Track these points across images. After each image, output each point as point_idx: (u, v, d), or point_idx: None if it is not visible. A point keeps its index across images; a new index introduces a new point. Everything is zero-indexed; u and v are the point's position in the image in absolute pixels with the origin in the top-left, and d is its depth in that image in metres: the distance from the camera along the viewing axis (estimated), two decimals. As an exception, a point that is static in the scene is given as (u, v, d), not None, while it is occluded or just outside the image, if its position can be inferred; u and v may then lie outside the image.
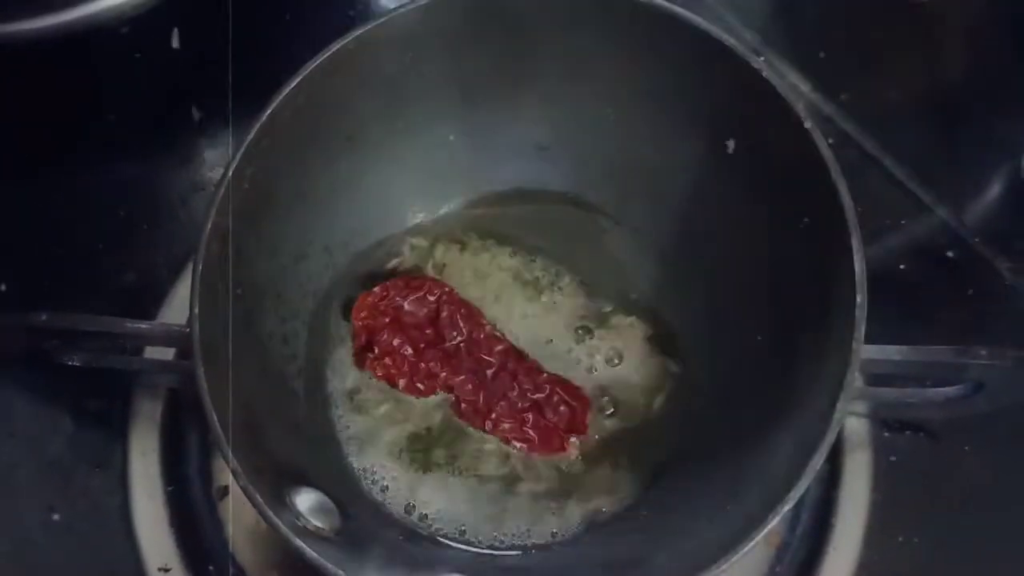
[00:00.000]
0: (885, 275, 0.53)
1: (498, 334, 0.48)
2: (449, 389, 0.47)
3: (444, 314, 0.47)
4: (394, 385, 0.47)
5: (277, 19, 0.64)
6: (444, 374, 0.46)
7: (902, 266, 0.55)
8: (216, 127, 0.61)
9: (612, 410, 0.47)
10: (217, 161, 0.60)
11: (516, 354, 0.47)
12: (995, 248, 0.55)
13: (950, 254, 0.55)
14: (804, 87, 0.61)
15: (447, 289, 0.48)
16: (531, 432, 0.46)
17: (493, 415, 0.45)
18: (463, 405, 0.46)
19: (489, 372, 0.46)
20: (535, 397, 0.46)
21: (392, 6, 0.61)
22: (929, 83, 0.63)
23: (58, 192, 0.58)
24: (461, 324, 0.47)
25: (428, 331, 0.47)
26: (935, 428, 0.50)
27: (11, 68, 0.60)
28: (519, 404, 0.45)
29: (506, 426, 0.46)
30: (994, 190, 0.59)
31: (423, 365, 0.47)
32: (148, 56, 0.62)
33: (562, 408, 0.46)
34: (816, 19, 0.65)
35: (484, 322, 0.48)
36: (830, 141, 0.56)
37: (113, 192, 0.58)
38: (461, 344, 0.47)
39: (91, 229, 0.57)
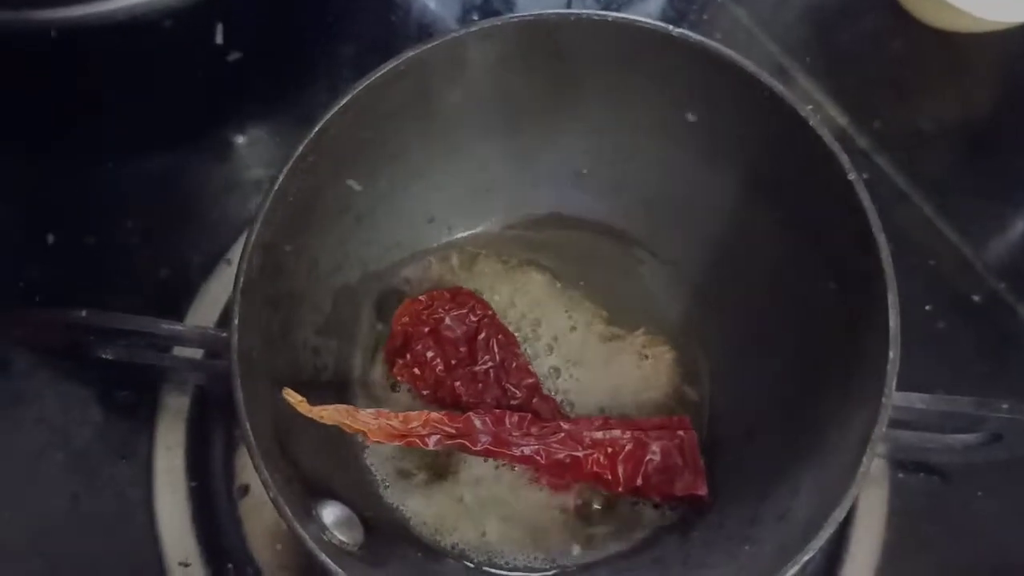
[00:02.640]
0: (910, 316, 0.53)
1: (531, 368, 0.48)
2: (468, 410, 0.46)
3: (481, 336, 0.47)
4: (419, 395, 0.48)
5: (319, 21, 0.64)
6: (467, 398, 0.47)
7: (927, 307, 0.55)
8: (254, 125, 0.62)
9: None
10: (255, 160, 0.61)
11: (542, 394, 0.48)
12: (1020, 293, 0.56)
13: (975, 298, 0.55)
14: (841, 119, 0.61)
15: (490, 312, 0.48)
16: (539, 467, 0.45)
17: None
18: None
19: (514, 403, 0.46)
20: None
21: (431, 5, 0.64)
22: (963, 117, 0.63)
23: (96, 184, 0.59)
24: (496, 350, 0.47)
25: (463, 349, 0.47)
26: (950, 472, 0.51)
27: (53, 56, 0.61)
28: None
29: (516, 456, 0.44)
30: (1022, 231, 0.59)
31: (449, 383, 0.47)
32: (190, 50, 0.63)
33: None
34: (853, 46, 0.65)
35: (519, 352, 0.48)
36: (865, 176, 0.58)
37: (150, 186, 0.59)
38: (491, 370, 0.47)
39: (127, 222, 0.57)
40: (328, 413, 0.40)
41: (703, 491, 0.44)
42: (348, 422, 0.40)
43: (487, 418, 0.43)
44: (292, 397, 0.39)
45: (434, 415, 0.42)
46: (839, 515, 0.34)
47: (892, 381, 0.35)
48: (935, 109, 0.63)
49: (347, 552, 0.38)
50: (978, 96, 0.64)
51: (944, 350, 0.54)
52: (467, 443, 0.42)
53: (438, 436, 0.42)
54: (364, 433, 0.41)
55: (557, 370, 0.49)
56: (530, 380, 0.47)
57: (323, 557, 0.35)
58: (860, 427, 0.35)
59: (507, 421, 0.43)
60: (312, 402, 0.41)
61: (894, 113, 0.61)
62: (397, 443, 0.41)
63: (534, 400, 0.47)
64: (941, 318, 0.55)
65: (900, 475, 0.50)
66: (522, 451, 0.43)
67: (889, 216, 0.56)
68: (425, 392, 0.47)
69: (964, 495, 0.50)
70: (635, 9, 0.64)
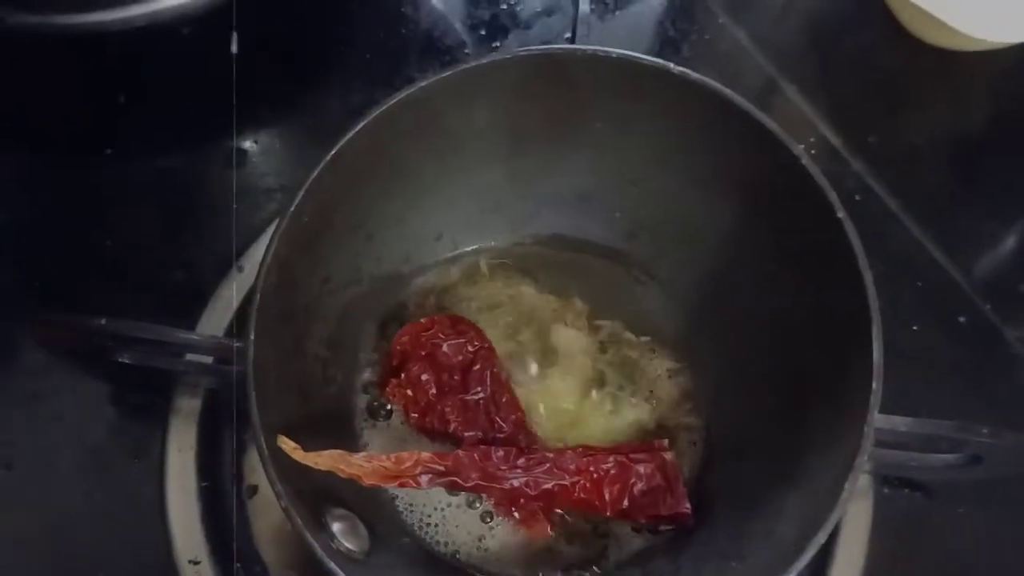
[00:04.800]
0: (897, 336, 0.56)
1: (520, 404, 0.49)
2: (456, 441, 0.48)
3: (476, 367, 0.49)
4: (407, 416, 0.49)
5: (331, 31, 0.66)
6: (455, 423, 0.48)
7: (914, 327, 0.57)
8: (266, 133, 0.63)
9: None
10: (266, 167, 0.62)
11: (527, 429, 0.49)
12: (1005, 314, 0.57)
13: (961, 319, 0.57)
14: (835, 140, 0.63)
15: (487, 344, 0.50)
16: (516, 511, 0.47)
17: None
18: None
19: (499, 436, 0.48)
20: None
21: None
22: (956, 135, 0.65)
23: (114, 188, 0.60)
24: (488, 382, 0.48)
25: (456, 377, 0.49)
26: (933, 489, 0.52)
27: (72, 62, 0.62)
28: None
29: (493, 496, 0.46)
30: (1010, 252, 0.61)
31: (439, 407, 0.48)
32: (205, 57, 0.64)
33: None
34: (849, 64, 0.66)
35: (510, 387, 0.49)
36: (857, 198, 0.60)
37: (165, 191, 0.60)
38: (481, 401, 0.48)
39: (143, 226, 0.59)
40: (322, 459, 0.40)
41: (687, 509, 0.46)
42: (343, 467, 0.41)
43: (474, 454, 0.44)
44: (287, 444, 0.39)
45: (424, 455, 0.43)
46: (821, 538, 0.35)
47: (874, 412, 0.37)
48: (929, 127, 0.64)
49: (354, 560, 0.40)
50: (972, 115, 0.66)
51: (930, 369, 0.55)
52: (458, 480, 0.43)
53: (429, 475, 0.43)
54: (358, 477, 0.41)
55: (543, 390, 0.51)
56: (517, 415, 0.49)
57: (331, 565, 0.37)
58: (843, 454, 0.37)
59: (493, 456, 0.44)
60: (320, 415, 0.42)
61: (888, 131, 0.63)
62: (390, 484, 0.42)
63: (520, 436, 0.48)
64: (928, 338, 0.56)
65: (885, 491, 0.52)
66: (511, 484, 0.44)
67: (879, 236, 0.59)
68: (414, 415, 0.48)
69: (946, 511, 0.52)
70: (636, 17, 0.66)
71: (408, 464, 0.42)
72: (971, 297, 0.58)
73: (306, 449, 0.40)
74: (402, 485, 0.42)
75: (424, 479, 0.43)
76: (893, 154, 0.62)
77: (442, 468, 0.43)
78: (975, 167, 0.63)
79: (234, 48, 0.63)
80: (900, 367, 0.52)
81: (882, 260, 0.58)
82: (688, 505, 0.46)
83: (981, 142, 0.65)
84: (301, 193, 0.41)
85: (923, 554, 0.52)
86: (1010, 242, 0.61)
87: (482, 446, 0.45)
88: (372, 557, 0.41)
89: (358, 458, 0.41)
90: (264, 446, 0.38)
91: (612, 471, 0.45)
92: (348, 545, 0.41)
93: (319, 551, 0.37)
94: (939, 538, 0.52)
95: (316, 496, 0.41)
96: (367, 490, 0.47)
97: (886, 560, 0.50)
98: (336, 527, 0.41)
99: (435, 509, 0.48)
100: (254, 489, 0.51)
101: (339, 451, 0.41)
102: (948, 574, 0.51)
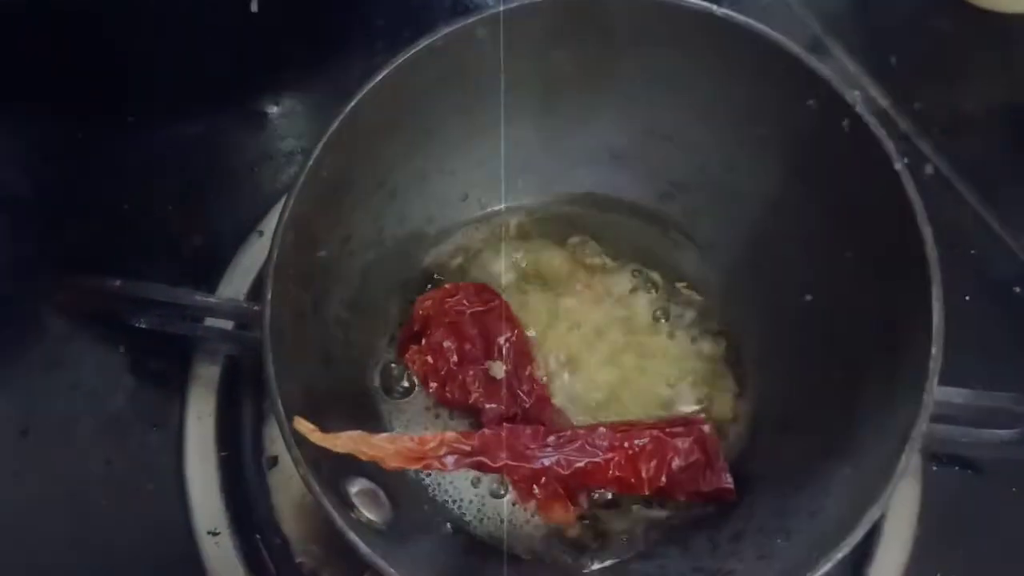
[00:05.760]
0: (949, 306, 0.53)
1: (541, 379, 0.47)
2: (476, 411, 0.46)
3: (500, 337, 0.47)
4: (425, 385, 0.47)
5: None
6: (476, 394, 0.46)
7: (967, 297, 0.54)
8: (288, 96, 0.62)
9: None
10: (288, 131, 0.61)
11: (548, 403, 0.47)
12: (1061, 286, 0.54)
13: (1017, 289, 0.54)
14: (883, 101, 0.60)
15: (512, 315, 0.48)
16: (537, 489, 0.44)
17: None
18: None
19: (519, 410, 0.46)
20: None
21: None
22: (1008, 100, 0.62)
23: (133, 152, 0.59)
24: (512, 354, 0.46)
25: (479, 346, 0.47)
26: (984, 466, 0.50)
27: (92, 24, 0.61)
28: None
29: (517, 476, 0.44)
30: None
31: (460, 376, 0.46)
32: (226, 18, 0.63)
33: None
34: (896, 25, 0.63)
35: (533, 361, 0.47)
36: (905, 160, 0.57)
37: (185, 155, 0.59)
38: (504, 373, 0.46)
39: (163, 191, 0.58)
40: (342, 441, 0.38)
41: (729, 484, 0.43)
42: (364, 449, 0.39)
43: (502, 433, 0.41)
44: (303, 426, 0.37)
45: (449, 435, 0.40)
46: (875, 514, 0.33)
47: (934, 378, 0.34)
48: (979, 91, 0.61)
49: (375, 530, 0.39)
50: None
51: (983, 340, 0.53)
52: (486, 460, 0.41)
53: (455, 456, 0.40)
54: (380, 459, 0.39)
55: (574, 359, 0.49)
56: (539, 389, 0.47)
57: (351, 535, 0.35)
58: (898, 425, 0.35)
59: (522, 434, 0.42)
60: (340, 380, 0.40)
61: (937, 95, 0.60)
62: (414, 466, 0.40)
63: (543, 409, 0.46)
64: (981, 308, 0.54)
65: (933, 468, 0.50)
66: (541, 463, 0.42)
67: (928, 202, 0.56)
68: (433, 384, 0.47)
69: (997, 490, 0.50)
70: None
71: (432, 445, 0.40)
72: (1026, 266, 0.55)
73: (325, 423, 0.38)
74: (427, 467, 0.40)
75: (450, 460, 0.40)
76: (943, 118, 0.60)
77: (468, 448, 0.41)
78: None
79: (254, 7, 0.62)
80: (952, 338, 0.49)
81: (933, 227, 0.55)
82: (729, 480, 0.43)
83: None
84: (319, 147, 0.40)
85: (973, 535, 0.49)
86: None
87: (508, 424, 0.43)
88: (393, 528, 0.40)
89: (380, 439, 0.39)
90: (280, 410, 0.37)
91: (648, 447, 0.43)
92: (369, 515, 0.39)
93: (338, 520, 0.36)
94: (990, 519, 0.50)
95: (336, 464, 0.39)
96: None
97: (934, 541, 0.48)
98: (356, 496, 0.40)
99: (463, 480, 0.46)
100: (274, 460, 0.50)
101: (359, 432, 0.39)
102: (998, 556, 0.49)
